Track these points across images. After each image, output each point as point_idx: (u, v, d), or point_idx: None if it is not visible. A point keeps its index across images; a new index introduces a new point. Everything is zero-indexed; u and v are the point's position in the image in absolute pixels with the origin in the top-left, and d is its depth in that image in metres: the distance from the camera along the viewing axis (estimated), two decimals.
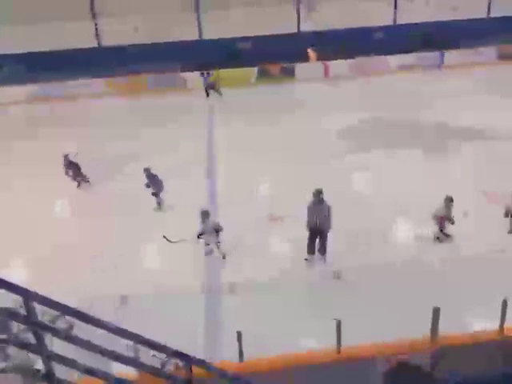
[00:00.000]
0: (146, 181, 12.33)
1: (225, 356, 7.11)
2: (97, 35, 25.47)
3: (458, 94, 19.80)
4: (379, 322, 7.84)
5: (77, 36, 24.04)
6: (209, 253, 10.22)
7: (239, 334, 6.53)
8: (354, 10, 24.04)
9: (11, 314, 3.40)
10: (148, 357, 4.03)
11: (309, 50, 25.53)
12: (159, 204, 12.70)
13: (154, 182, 12.35)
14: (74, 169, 14.08)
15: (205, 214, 10.05)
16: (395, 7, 25.82)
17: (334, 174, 13.57)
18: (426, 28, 24.61)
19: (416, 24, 24.84)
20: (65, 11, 23.75)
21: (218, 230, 10.12)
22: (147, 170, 12.40)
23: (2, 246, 10.71)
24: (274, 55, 24.59)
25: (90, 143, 16.93)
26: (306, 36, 25.59)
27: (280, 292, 9.14)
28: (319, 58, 25.47)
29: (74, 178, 14.17)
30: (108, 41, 25.27)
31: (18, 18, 23.63)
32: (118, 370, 4.15)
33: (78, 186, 14.24)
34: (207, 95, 23.15)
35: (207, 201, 12.78)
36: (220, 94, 22.91)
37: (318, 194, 9.87)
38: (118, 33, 24.11)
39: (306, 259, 10.20)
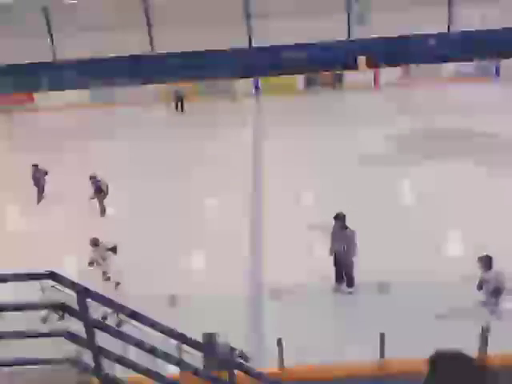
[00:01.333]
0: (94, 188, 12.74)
1: (265, 362, 7.12)
2: (151, 44, 26.39)
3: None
4: (423, 337, 7.63)
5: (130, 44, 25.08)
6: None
7: (279, 341, 6.53)
8: (406, 17, 23.61)
9: (65, 308, 3.57)
10: (193, 357, 4.12)
11: (359, 58, 25.37)
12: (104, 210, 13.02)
13: (98, 189, 12.79)
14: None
15: (94, 242, 9.24)
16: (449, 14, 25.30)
17: (374, 183, 13.39)
18: (481, 36, 23.91)
19: (470, 31, 24.19)
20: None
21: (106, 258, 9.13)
22: (93, 178, 12.87)
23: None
24: (324, 63, 24.58)
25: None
26: (356, 44, 25.45)
27: (322, 301, 9.07)
28: (369, 66, 25.25)
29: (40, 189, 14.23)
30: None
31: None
32: (165, 368, 4.26)
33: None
34: (176, 108, 23.60)
35: (249, 211, 12.95)
36: (182, 110, 23.40)
37: (342, 218, 9.09)
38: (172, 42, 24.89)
39: (335, 288, 9.49)
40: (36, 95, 26.36)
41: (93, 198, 12.90)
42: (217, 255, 10.72)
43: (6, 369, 3.73)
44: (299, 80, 25.62)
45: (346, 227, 9.12)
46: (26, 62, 25.33)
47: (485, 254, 8.02)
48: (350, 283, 9.42)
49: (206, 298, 9.21)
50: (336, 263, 9.41)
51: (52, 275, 3.40)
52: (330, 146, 16.69)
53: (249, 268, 10.49)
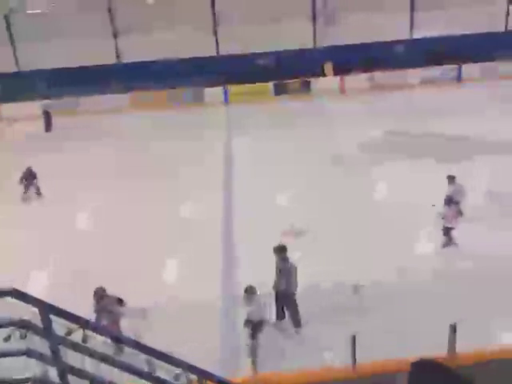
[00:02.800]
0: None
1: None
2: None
3: (475, 107, 19.67)
4: (395, 338, 7.76)
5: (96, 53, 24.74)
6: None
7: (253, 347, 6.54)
8: (372, 23, 24.09)
9: (30, 325, 3.49)
10: (162, 370, 4.07)
11: (325, 65, 25.71)
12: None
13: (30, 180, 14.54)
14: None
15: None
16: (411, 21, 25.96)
17: (350, 187, 13.61)
18: (441, 42, 24.56)
19: (433, 38, 24.84)
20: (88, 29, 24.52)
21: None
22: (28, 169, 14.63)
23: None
24: (292, 70, 24.82)
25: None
26: (322, 51, 25.80)
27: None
28: (336, 73, 25.62)
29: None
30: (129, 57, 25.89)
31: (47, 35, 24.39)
32: (133, 382, 4.20)
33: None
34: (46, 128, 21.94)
35: (222, 213, 12.94)
36: (49, 130, 21.81)
37: (281, 251, 8.39)
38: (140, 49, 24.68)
39: (275, 325, 8.65)
40: None
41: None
42: (190, 263, 10.65)
43: None
44: (269, 87, 25.82)
45: (287, 259, 8.41)
46: None
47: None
48: (297, 323, 8.59)
49: (179, 308, 9.16)
50: (276, 299, 8.58)
51: (13, 292, 3.32)
52: (303, 148, 16.98)
53: (222, 273, 10.43)
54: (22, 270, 10.17)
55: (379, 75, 25.13)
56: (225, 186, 14.94)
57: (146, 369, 4.19)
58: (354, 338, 6.52)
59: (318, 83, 25.66)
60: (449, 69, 25.16)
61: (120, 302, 8.19)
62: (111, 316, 8.01)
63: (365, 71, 25.08)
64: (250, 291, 7.64)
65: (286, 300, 8.51)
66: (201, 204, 13.20)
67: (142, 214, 13.17)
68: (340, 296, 9.45)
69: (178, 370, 4.16)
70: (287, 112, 22.19)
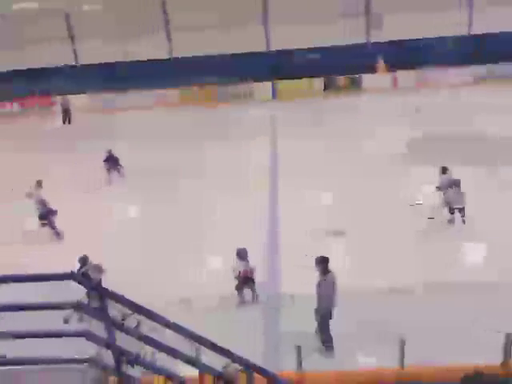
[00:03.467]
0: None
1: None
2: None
3: None
4: (442, 344, 7.51)
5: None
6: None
7: (299, 348, 6.51)
8: (422, 21, 23.44)
9: (85, 308, 3.61)
10: (210, 359, 4.12)
11: (378, 62, 25.24)
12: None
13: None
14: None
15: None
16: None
17: (393, 188, 13.29)
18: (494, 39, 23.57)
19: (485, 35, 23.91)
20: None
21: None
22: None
23: None
24: (341, 66, 24.51)
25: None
26: (374, 47, 25.33)
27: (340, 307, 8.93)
28: (388, 70, 25.12)
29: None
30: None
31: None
32: (181, 369, 4.27)
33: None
34: (63, 122, 23.57)
35: (267, 211, 12.95)
36: (69, 122, 23.49)
37: (322, 262, 7.55)
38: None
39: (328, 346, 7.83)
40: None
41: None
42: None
43: (26, 367, 3.80)
44: (318, 83, 25.61)
45: (329, 271, 7.57)
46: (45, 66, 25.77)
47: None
48: (327, 340, 7.80)
49: (220, 303, 9.22)
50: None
51: (72, 276, 3.45)
52: (349, 146, 16.74)
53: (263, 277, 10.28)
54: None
55: (429, 72, 24.44)
56: (270, 184, 14.87)
57: (194, 356, 4.26)
58: (402, 342, 6.36)
59: (368, 80, 25.27)
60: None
61: (100, 269, 8.76)
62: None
63: (414, 67, 24.47)
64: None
65: (320, 314, 7.76)
66: (244, 202, 13.14)
67: (192, 209, 13.31)
68: (381, 298, 9.19)
69: (227, 361, 4.20)
70: (335, 108, 21.94)
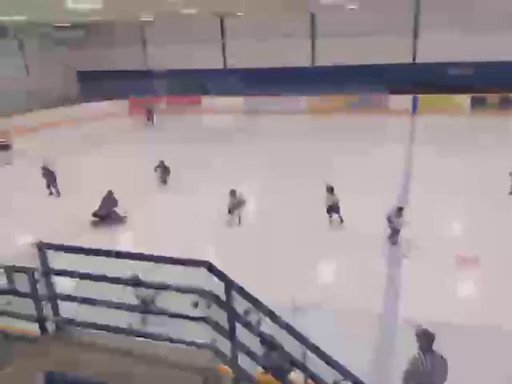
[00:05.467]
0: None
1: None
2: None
3: None
4: None
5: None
6: None
7: None
8: None
9: (215, 297, 3.85)
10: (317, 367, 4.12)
11: None
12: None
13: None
14: (48, 177, 15.09)
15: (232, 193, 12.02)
16: None
17: None
18: None
19: None
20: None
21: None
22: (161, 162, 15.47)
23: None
24: (495, 82, 22.64)
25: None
26: None
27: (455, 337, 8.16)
28: None
29: (48, 187, 15.18)
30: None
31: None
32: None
33: (50, 194, 15.12)
34: (148, 119, 26.44)
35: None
36: (152, 122, 26.30)
37: (428, 336, 5.01)
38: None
39: None
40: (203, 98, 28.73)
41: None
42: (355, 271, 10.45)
43: (153, 342, 4.16)
44: (465, 100, 24.03)
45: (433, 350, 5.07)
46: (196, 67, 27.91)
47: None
48: None
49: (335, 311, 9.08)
50: None
51: (208, 265, 3.72)
52: (483, 167, 15.53)
53: (386, 297, 9.88)
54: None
55: None
56: (400, 198, 14.27)
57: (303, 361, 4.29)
58: None
59: None
60: None
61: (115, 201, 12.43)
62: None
63: None
64: None
65: None
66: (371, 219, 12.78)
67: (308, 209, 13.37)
68: None
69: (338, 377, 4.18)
70: (479, 128, 20.35)
